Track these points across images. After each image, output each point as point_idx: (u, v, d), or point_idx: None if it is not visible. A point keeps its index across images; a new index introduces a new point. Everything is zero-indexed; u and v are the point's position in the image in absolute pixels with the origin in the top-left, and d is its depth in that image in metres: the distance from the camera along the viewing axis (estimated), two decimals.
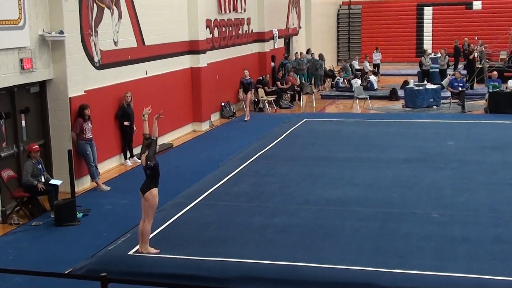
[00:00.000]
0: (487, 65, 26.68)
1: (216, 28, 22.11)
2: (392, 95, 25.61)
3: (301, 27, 32.90)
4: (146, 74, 17.45)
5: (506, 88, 22.53)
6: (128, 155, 16.06)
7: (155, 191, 9.52)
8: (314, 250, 9.70)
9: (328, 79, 30.23)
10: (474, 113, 22.05)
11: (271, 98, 24.22)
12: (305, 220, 11.11)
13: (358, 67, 31.12)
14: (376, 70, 32.35)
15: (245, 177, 14.21)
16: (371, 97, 24.93)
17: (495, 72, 23.99)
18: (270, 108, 24.02)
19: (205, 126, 20.50)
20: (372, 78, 28.00)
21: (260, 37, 26.32)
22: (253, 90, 22.44)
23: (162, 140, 18.12)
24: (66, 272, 8.90)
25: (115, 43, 15.86)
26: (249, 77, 21.90)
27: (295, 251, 9.66)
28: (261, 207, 11.92)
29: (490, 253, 9.45)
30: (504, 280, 8.52)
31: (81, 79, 13.99)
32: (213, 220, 11.27)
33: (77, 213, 11.65)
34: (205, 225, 10.99)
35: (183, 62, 19.73)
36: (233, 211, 11.79)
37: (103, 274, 5.94)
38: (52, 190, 12.05)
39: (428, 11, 40.05)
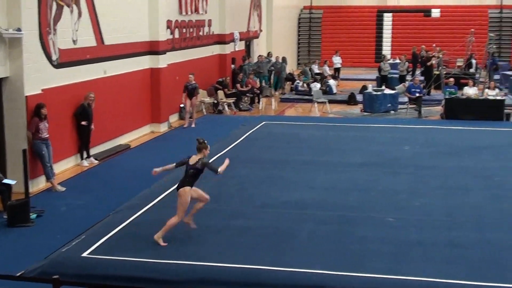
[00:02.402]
0: (444, 72, 27.06)
1: (176, 29, 22.01)
2: (351, 100, 25.81)
3: (262, 30, 32.96)
4: (105, 73, 17.28)
5: (462, 94, 22.90)
6: (85, 155, 15.87)
7: (188, 189, 10.03)
8: (271, 253, 9.70)
9: (288, 83, 30.33)
10: (430, 119, 22.34)
11: (231, 100, 24.21)
12: (263, 223, 11.12)
13: (317, 71, 31.30)
14: (337, 74, 32.61)
15: (203, 179, 14.10)
16: (330, 101, 25.10)
17: (451, 79, 24.37)
18: (229, 110, 23.99)
19: (163, 127, 20.38)
20: (331, 82, 28.19)
21: (221, 39, 26.29)
22: (198, 95, 21.58)
23: (120, 141, 18.00)
24: (18, 274, 8.74)
25: (74, 41, 15.67)
26: (194, 82, 20.83)
27: (253, 254, 9.66)
28: (219, 209, 11.88)
29: (444, 256, 9.59)
30: (458, 283, 8.63)
31: (38, 77, 13.79)
32: None
33: (31, 214, 11.44)
34: (162, 227, 10.88)
35: (143, 63, 19.60)
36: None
37: (55, 276, 5.85)
38: (5, 190, 11.80)
39: (387, 18, 40.51)
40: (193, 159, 10.24)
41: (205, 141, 10.36)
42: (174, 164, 10.45)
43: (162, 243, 9.97)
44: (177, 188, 10.17)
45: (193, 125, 20.68)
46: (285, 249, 9.88)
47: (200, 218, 11.37)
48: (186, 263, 9.28)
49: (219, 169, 10.29)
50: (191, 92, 20.70)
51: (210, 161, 12.24)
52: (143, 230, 10.78)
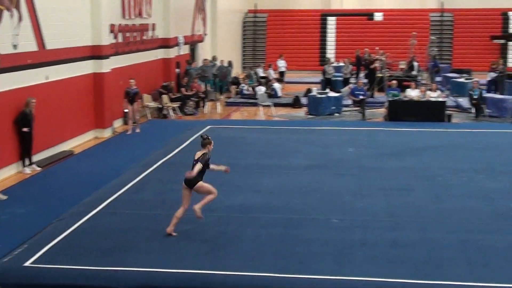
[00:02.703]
0: (387, 74, 27.48)
1: (120, 33, 21.82)
2: (296, 103, 25.98)
3: (206, 34, 32.94)
4: (47, 79, 17.02)
5: (405, 96, 23.29)
6: (27, 162, 15.60)
7: (201, 183, 10.61)
8: (215, 257, 9.71)
9: (233, 86, 30.36)
10: (374, 121, 22.65)
11: (176, 104, 24.11)
12: (207, 227, 11.09)
13: (262, 75, 31.41)
14: (282, 78, 32.76)
15: (148, 185, 14.07)
16: (275, 104, 25.25)
17: (394, 81, 24.76)
18: (174, 115, 23.88)
19: (107, 133, 20.17)
20: (276, 85, 28.33)
21: (165, 43, 26.17)
22: (139, 100, 21.25)
23: (63, 147, 17.75)
24: None
25: (15, 46, 15.39)
26: (135, 87, 20.44)
27: (197, 259, 9.65)
28: (163, 215, 11.79)
29: (387, 256, 9.74)
30: (401, 283, 8.79)
31: None
32: (114, 229, 11.09)
33: None
34: (106, 234, 10.80)
35: (86, 67, 19.37)
36: (135, 219, 11.64)
37: None
38: None
39: (331, 21, 40.94)
40: (198, 154, 10.72)
41: (209, 137, 10.90)
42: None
43: (200, 215, 10.64)
44: (188, 185, 10.58)
45: (137, 130, 20.49)
46: (230, 253, 9.89)
47: (146, 223, 11.32)
48: (129, 269, 9.21)
49: (211, 166, 10.84)
50: (132, 98, 20.39)
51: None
52: (87, 237, 10.66)
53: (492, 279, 8.95)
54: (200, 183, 10.61)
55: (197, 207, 10.68)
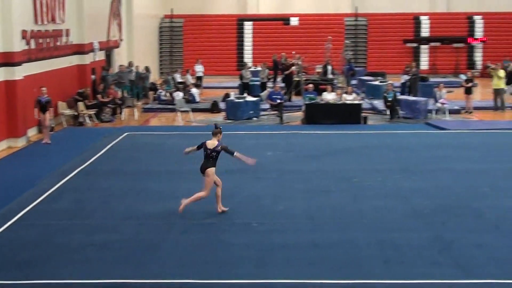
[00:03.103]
0: (304, 78, 27.80)
1: (32, 39, 21.26)
2: (214, 108, 25.96)
3: (122, 40, 32.53)
4: None
5: (322, 100, 23.62)
6: None
7: (214, 169, 11.85)
8: (136, 266, 9.58)
9: (151, 92, 30.09)
10: (291, 124, 22.86)
11: (92, 111, 23.69)
12: (126, 236, 10.95)
13: (180, 80, 31.25)
14: (199, 83, 32.69)
15: (64, 194, 13.77)
16: (193, 110, 25.16)
17: (311, 85, 25.09)
18: (91, 122, 23.47)
19: (21, 142, 19.60)
20: (194, 90, 28.25)
21: (80, 49, 25.68)
22: (51, 109, 20.16)
23: None
24: None
25: None
26: (46, 95, 19.58)
27: (117, 268, 9.50)
28: (81, 224, 11.61)
29: (308, 257, 9.85)
30: (321, 283, 8.91)
31: None
32: (30, 241, 10.78)
33: None
34: (21, 247, 10.50)
35: None
36: (52, 230, 11.36)
37: None
38: None
39: (248, 26, 41.16)
40: (211, 144, 11.99)
41: (221, 127, 12.43)
42: (196, 146, 12.36)
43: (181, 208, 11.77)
44: (202, 170, 11.86)
45: (46, 141, 19.51)
46: (150, 261, 9.78)
47: (63, 233, 11.07)
48: (46, 282, 8.99)
49: (235, 153, 12.20)
50: (44, 106, 19.49)
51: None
52: (2, 250, 10.33)
53: (408, 276, 9.16)
54: (212, 170, 11.81)
55: (185, 201, 11.83)
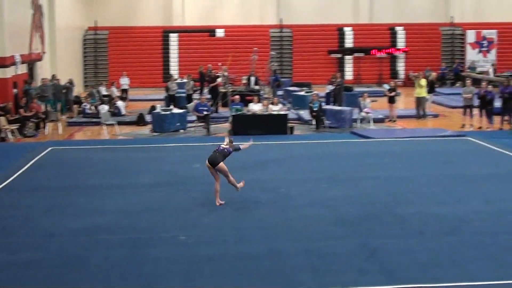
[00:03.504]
0: (231, 89, 27.85)
1: None
2: (140, 120, 25.72)
3: (45, 52, 31.89)
4: None
5: (248, 111, 23.71)
6: None
7: (222, 164, 13.29)
8: (62, 284, 9.39)
9: (75, 106, 29.59)
10: (219, 136, 22.80)
11: (14, 126, 23.11)
12: (52, 253, 10.71)
13: (105, 93, 30.87)
14: (125, 96, 32.34)
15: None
16: (119, 123, 24.86)
17: (237, 96, 25.15)
18: (13, 137, 22.88)
19: None
20: (120, 103, 27.93)
21: (1, 62, 25.06)
22: None
23: None
24: None
25: None
26: None
27: (42, 286, 9.27)
28: (4, 243, 11.30)
29: (235, 269, 9.86)
30: None
31: None
32: None
33: None
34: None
35: None
36: None
37: None
38: None
39: (173, 38, 41.00)
40: (224, 144, 13.71)
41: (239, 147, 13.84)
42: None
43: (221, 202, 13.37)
44: (212, 164, 13.23)
45: None
46: (77, 278, 9.60)
47: None
48: None
49: (241, 147, 13.92)
50: None
51: None
52: None
53: (336, 284, 9.27)
54: (222, 164, 13.22)
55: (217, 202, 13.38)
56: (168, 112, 24.08)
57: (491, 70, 38.07)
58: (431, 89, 29.00)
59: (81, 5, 40.49)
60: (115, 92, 30.87)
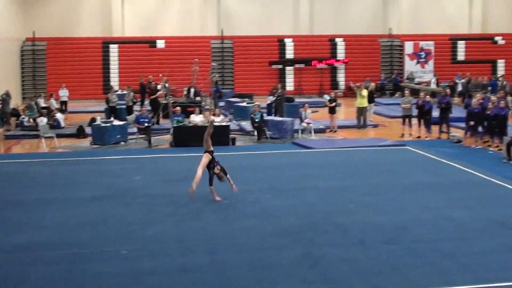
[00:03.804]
0: (172, 101, 27.73)
1: None
2: (80, 133, 25.36)
3: None
4: None
5: (190, 122, 23.63)
6: None
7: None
8: None
9: (13, 118, 28.98)
10: (160, 148, 22.72)
11: None
12: None
13: (44, 105, 30.34)
14: (64, 108, 31.86)
15: None
16: (58, 136, 24.46)
17: (178, 108, 25.02)
18: None
19: None
20: (59, 116, 27.52)
21: None
22: None
23: None
24: None
25: None
26: None
27: None
28: None
29: (178, 282, 9.81)
30: None
31: None
32: None
33: None
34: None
35: None
36: None
37: None
38: None
39: (114, 49, 40.63)
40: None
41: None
42: None
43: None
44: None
45: None
46: None
47: None
48: None
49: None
50: None
51: None
52: None
53: None
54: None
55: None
56: (108, 124, 23.81)
57: (433, 80, 38.80)
58: (370, 99, 29.44)
59: (18, 16, 39.76)
60: (54, 104, 30.37)
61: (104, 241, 11.88)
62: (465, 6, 44.41)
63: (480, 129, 22.03)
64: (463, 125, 23.32)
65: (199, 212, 13.79)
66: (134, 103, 29.60)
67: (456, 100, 34.49)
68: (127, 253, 11.13)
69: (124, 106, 28.96)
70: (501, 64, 43.35)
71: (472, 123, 21.88)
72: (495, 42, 43.65)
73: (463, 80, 37.46)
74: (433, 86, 37.19)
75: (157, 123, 26.76)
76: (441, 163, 19.12)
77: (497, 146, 21.29)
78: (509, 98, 30.13)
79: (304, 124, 25.02)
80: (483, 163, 19.16)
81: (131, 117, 26.25)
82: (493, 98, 23.35)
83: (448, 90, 27.81)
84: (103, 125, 23.76)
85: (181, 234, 12.26)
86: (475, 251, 11.13)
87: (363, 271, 10.17)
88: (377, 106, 32.16)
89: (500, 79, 37.63)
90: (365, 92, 27.04)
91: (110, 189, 16.07)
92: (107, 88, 35.40)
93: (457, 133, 23.68)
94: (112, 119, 25.21)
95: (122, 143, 23.54)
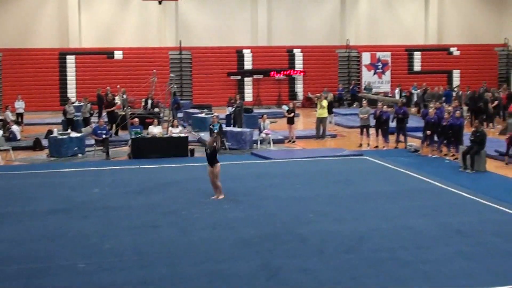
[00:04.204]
0: (130, 112, 27.54)
1: None
2: (36, 145, 24.98)
3: None
4: None
5: (148, 133, 23.49)
6: None
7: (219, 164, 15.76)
8: None
9: None
10: (118, 159, 22.51)
11: None
12: None
13: None
14: (20, 120, 31.40)
15: None
16: (14, 148, 24.00)
17: (136, 119, 24.85)
18: None
19: None
20: (15, 128, 27.09)
21: None
22: None
23: None
24: None
25: None
26: None
27: None
28: None
29: None
30: None
31: None
32: None
33: None
34: None
35: None
36: None
37: None
38: None
39: (70, 60, 40.14)
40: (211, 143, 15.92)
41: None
42: None
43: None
44: (211, 164, 15.77)
45: None
46: None
47: None
48: None
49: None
50: None
51: None
52: None
53: None
54: (218, 164, 15.82)
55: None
56: (65, 136, 23.51)
57: (397, 91, 38.92)
58: (330, 109, 29.66)
59: None
60: (10, 116, 29.85)
61: (61, 255, 11.69)
62: (421, 17, 45.06)
63: (436, 138, 22.34)
64: (420, 134, 23.60)
65: (158, 224, 13.68)
66: (91, 114, 29.33)
67: (413, 110, 34.91)
68: (84, 267, 10.98)
69: (81, 118, 28.64)
70: (456, 75, 44.05)
71: (428, 132, 22.17)
72: (451, 53, 44.36)
73: (418, 91, 37.94)
74: (397, 96, 37.49)
75: (116, 134, 26.53)
76: (399, 172, 19.33)
77: (453, 155, 21.61)
78: (465, 107, 30.69)
79: (263, 135, 25.06)
80: (440, 172, 19.42)
81: (86, 129, 25.98)
82: (449, 108, 23.69)
83: (404, 100, 28.13)
84: (60, 137, 23.45)
85: (140, 247, 12.14)
86: (433, 259, 11.25)
87: (322, 281, 10.21)
88: (335, 117, 32.35)
89: (455, 89, 38.22)
90: (325, 103, 27.21)
91: (67, 202, 15.86)
92: (64, 99, 34.98)
93: (414, 142, 23.97)
94: (69, 131, 24.93)
95: (80, 155, 23.27)
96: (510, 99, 31.84)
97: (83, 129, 26.07)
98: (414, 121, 27.10)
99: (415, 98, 37.70)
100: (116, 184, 17.93)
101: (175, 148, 22.68)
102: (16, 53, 39.83)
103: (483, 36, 45.15)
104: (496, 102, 30.68)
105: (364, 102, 27.04)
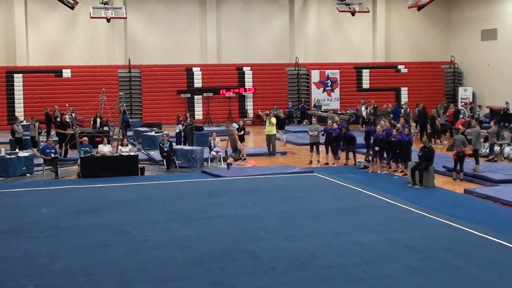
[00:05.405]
0: (79, 131, 27.27)
1: None
2: None
3: None
4: None
5: (97, 152, 23.28)
6: None
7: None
8: None
9: None
10: (67, 179, 22.24)
11: None
12: None
13: None
14: None
15: None
16: None
17: (85, 138, 24.61)
18: None
19: None
20: None
21: None
22: None
23: None
24: None
25: None
26: None
27: None
28: None
29: None
30: None
31: None
32: None
33: None
34: None
35: None
36: None
37: None
38: None
39: (18, 78, 39.58)
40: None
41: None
42: None
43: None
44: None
45: None
46: None
47: None
48: None
49: None
50: None
51: None
52: None
53: None
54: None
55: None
56: (13, 156, 23.14)
57: (363, 108, 38.95)
58: (281, 126, 29.92)
59: None
60: None
61: (9, 276, 11.49)
62: (369, 36, 45.77)
63: (385, 155, 22.67)
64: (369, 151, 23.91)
65: (108, 244, 13.55)
66: (40, 133, 28.93)
67: (360, 127, 35.31)
68: None
69: (29, 137, 28.22)
70: (404, 92, 44.85)
71: (377, 148, 22.50)
72: (398, 71, 45.16)
73: (369, 109, 38.32)
74: (364, 113, 37.63)
75: (65, 154, 26.22)
76: (349, 189, 19.55)
77: (402, 171, 21.95)
78: (413, 124, 31.22)
79: (213, 153, 25.08)
80: (389, 187, 19.72)
81: (32, 150, 25.60)
82: (398, 125, 24.08)
83: (352, 119, 28.47)
84: (8, 156, 23.08)
85: (90, 267, 12.00)
86: (383, 274, 11.40)
87: None
88: (285, 134, 32.57)
89: (403, 106, 38.80)
90: (274, 120, 27.40)
91: (16, 222, 15.60)
92: (12, 118, 34.48)
93: (363, 159, 24.27)
94: (17, 150, 24.54)
95: (28, 175, 22.92)
96: (457, 115, 32.53)
97: (31, 149, 25.64)
98: (361, 138, 27.40)
99: (363, 114, 37.91)
100: (66, 204, 17.71)
101: (125, 167, 22.55)
102: None
103: (430, 54, 46.15)
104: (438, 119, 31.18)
105: (314, 119, 27.30)
